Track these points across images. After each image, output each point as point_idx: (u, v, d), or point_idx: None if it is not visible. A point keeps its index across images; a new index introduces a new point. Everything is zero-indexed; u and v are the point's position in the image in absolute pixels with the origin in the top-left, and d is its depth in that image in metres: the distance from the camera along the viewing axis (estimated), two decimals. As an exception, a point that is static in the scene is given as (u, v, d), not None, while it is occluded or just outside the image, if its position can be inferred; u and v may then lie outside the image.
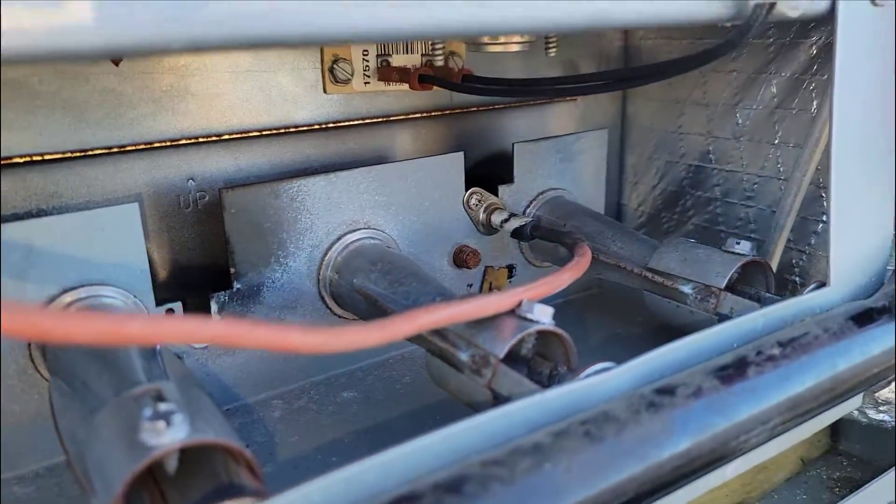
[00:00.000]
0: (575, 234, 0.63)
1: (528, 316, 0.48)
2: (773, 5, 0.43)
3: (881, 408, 0.67)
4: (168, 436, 0.36)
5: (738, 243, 0.59)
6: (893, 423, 0.67)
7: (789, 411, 0.44)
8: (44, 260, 0.52)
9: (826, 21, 0.51)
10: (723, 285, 0.57)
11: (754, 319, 0.49)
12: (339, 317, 0.65)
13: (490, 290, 0.74)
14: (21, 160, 0.56)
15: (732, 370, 0.43)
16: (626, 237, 0.67)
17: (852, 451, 0.76)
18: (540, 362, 0.51)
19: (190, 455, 0.38)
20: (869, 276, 0.56)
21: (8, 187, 0.56)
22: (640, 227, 0.90)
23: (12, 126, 0.55)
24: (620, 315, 0.78)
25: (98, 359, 0.47)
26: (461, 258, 0.70)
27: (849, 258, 0.55)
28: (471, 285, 0.74)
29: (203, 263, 0.65)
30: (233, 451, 0.38)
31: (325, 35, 0.34)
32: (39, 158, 0.57)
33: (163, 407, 0.37)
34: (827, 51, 0.67)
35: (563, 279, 0.53)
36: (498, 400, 0.47)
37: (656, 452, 0.38)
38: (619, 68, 0.81)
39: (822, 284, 0.54)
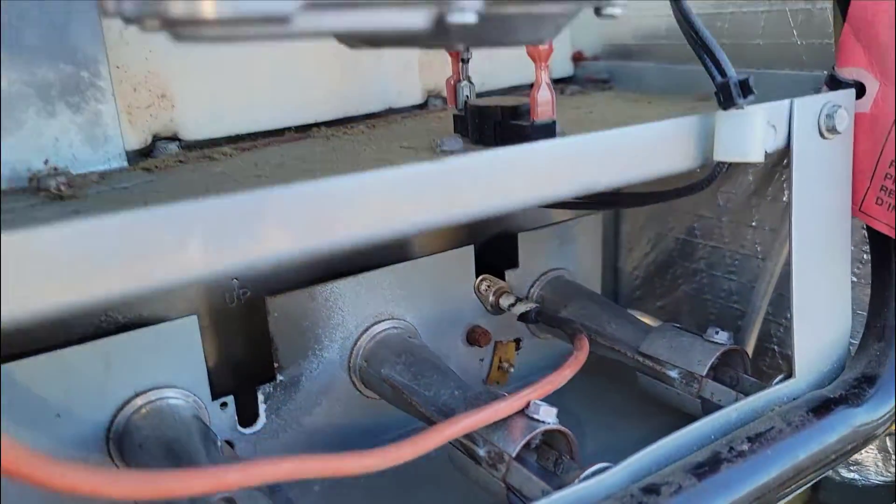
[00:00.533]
0: (574, 323, 0.71)
1: (536, 416, 0.57)
2: (730, 165, 0.52)
3: (852, 468, 0.75)
4: (247, 544, 0.44)
5: (717, 332, 0.68)
6: (862, 482, 0.76)
7: (757, 500, 0.52)
8: (119, 370, 0.60)
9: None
10: (704, 373, 0.66)
11: (728, 414, 0.58)
12: (368, 398, 0.74)
13: (500, 363, 0.83)
14: (93, 278, 0.65)
15: (707, 467, 0.52)
16: (619, 319, 0.76)
17: (830, 502, 0.84)
18: (547, 450, 0.59)
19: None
20: (831, 363, 0.65)
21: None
22: (634, 290, 0.99)
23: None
24: (614, 381, 0.86)
25: (169, 461, 0.56)
26: (474, 337, 0.79)
27: (812, 350, 0.63)
28: (482, 360, 0.82)
29: (249, 354, 0.73)
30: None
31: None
32: (108, 274, 0.65)
33: (240, 517, 0.46)
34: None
35: (564, 376, 0.62)
36: (510, 490, 0.56)
37: (644, 547, 0.47)
38: (607, 193, 0.89)
39: (789, 376, 0.62)
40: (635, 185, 0.90)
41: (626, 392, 0.83)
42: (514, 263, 0.82)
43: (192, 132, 0.66)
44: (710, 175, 0.53)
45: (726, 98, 0.50)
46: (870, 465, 0.74)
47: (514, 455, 0.55)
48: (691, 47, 0.53)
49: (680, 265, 0.92)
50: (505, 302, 0.78)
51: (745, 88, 0.50)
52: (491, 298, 0.79)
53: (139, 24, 0.33)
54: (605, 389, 0.84)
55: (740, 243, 0.84)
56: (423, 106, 0.84)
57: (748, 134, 0.51)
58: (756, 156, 0.51)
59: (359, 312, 0.72)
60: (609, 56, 1.00)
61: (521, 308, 0.76)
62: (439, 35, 0.37)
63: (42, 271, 0.32)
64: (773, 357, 0.81)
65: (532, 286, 0.83)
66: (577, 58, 1.02)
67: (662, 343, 0.70)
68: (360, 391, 0.73)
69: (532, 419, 0.57)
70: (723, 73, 0.51)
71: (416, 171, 0.41)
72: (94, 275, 0.33)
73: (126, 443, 0.60)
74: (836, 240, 0.63)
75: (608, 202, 0.67)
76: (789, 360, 0.63)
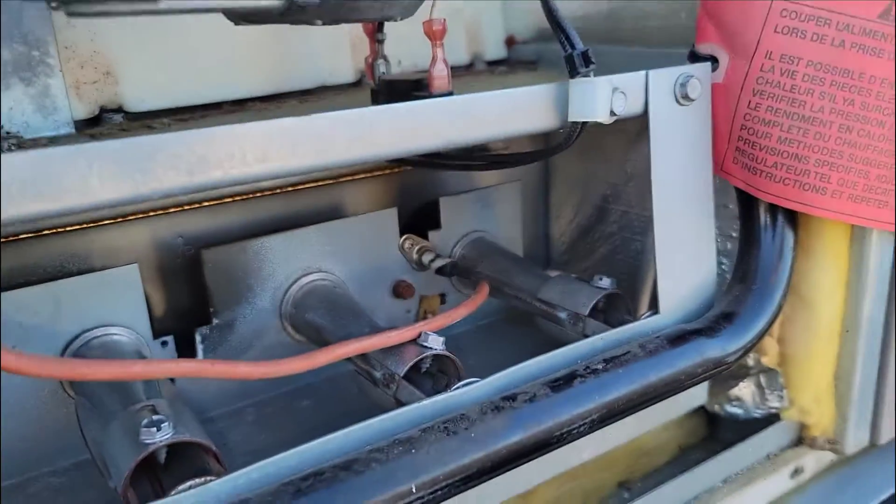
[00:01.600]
0: (481, 274, 0.80)
1: (426, 344, 0.66)
2: (584, 124, 0.61)
3: (734, 403, 0.84)
4: (158, 436, 0.53)
5: (601, 279, 0.77)
6: (744, 416, 0.84)
7: (605, 410, 0.61)
8: (68, 310, 0.70)
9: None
10: (586, 312, 0.75)
11: (594, 342, 0.67)
12: (298, 341, 0.83)
13: (425, 315, 0.91)
14: (49, 232, 0.74)
15: (562, 381, 0.61)
16: (525, 272, 0.85)
17: (726, 439, 0.93)
18: (440, 377, 0.68)
19: (174, 450, 0.55)
20: (696, 304, 0.73)
21: (39, 252, 0.74)
22: (562, 254, 1.07)
23: (42, 206, 0.73)
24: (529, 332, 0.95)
25: (109, 384, 0.65)
26: (399, 291, 0.88)
27: (675, 291, 0.72)
28: (409, 311, 0.91)
29: (191, 302, 0.82)
30: (203, 447, 0.56)
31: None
32: (62, 230, 0.74)
33: (155, 417, 0.55)
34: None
35: (459, 313, 0.71)
36: (399, 405, 0.64)
37: (494, 441, 0.56)
38: (495, 153, 0.96)
39: (656, 312, 0.71)
40: (520, 146, 0.99)
41: (526, 342, 0.93)
42: (437, 225, 0.91)
43: (135, 105, 0.75)
44: (568, 134, 0.62)
45: (572, 67, 0.59)
46: (748, 399, 0.83)
47: (402, 375, 0.64)
48: (549, 24, 0.61)
49: (598, 229, 1.00)
50: (426, 258, 0.87)
51: (586, 59, 0.59)
52: (414, 256, 0.88)
53: (48, 3, 0.42)
54: (516, 337, 0.93)
55: (644, 206, 0.93)
56: (357, 84, 0.93)
57: (595, 98, 0.60)
58: (602, 116, 0.60)
59: (289, 265, 0.81)
60: (538, 39, 1.09)
61: (438, 263, 0.85)
62: (295, 13, 0.46)
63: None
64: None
65: (455, 246, 0.92)
66: (510, 41, 1.10)
67: (556, 289, 0.79)
68: (290, 335, 0.82)
69: (422, 346, 0.66)
70: (572, 45, 0.60)
71: (288, 124, 0.50)
72: (20, 197, 0.42)
73: (74, 371, 0.69)
74: (697, 195, 0.72)
75: (498, 162, 0.76)
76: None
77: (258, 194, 0.85)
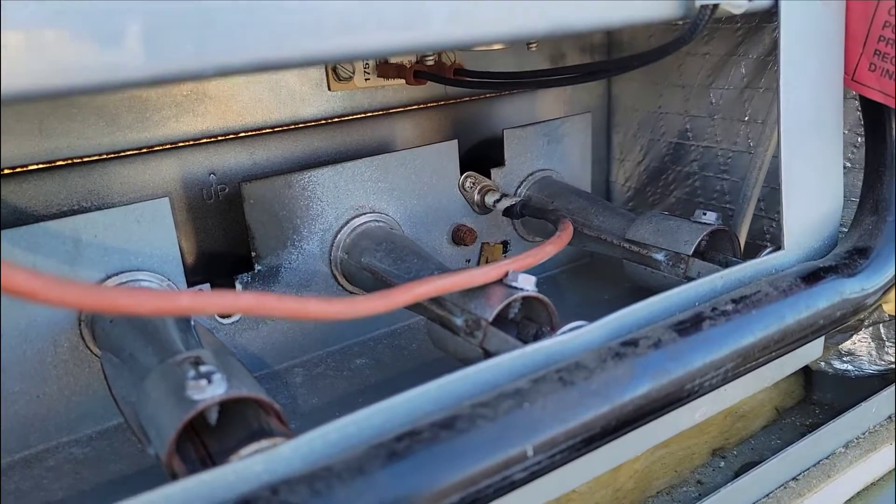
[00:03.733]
0: (559, 211, 0.69)
1: (514, 284, 0.55)
2: (716, 6, 0.50)
3: (844, 358, 0.74)
4: (210, 391, 0.43)
5: (705, 214, 0.66)
6: (856, 373, 0.74)
7: (741, 358, 0.51)
8: (89, 250, 0.59)
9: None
10: (690, 252, 0.64)
11: (713, 281, 0.56)
12: (350, 292, 0.72)
13: (487, 263, 0.81)
14: (63, 163, 0.63)
15: (689, 324, 0.50)
16: (607, 212, 0.74)
17: (824, 400, 0.83)
18: (527, 324, 0.58)
19: (225, 409, 0.45)
20: (821, 239, 0.63)
21: (52, 187, 0.63)
22: (627, 202, 0.97)
23: (54, 132, 0.63)
24: (608, 281, 0.84)
25: (142, 334, 0.55)
26: (459, 236, 0.77)
27: (801, 223, 0.61)
28: (469, 260, 0.81)
29: (227, 249, 0.72)
30: (263, 404, 0.45)
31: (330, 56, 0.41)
32: (79, 161, 0.64)
33: (203, 369, 0.45)
34: (788, 34, 0.73)
35: (546, 251, 0.60)
36: (488, 355, 0.54)
37: (619, 394, 0.45)
38: (590, 62, 0.87)
39: (778, 248, 0.60)
40: (620, 51, 0.88)
41: (613, 288, 0.82)
42: (500, 161, 0.80)
43: None
44: (695, 22, 0.51)
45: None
46: (863, 354, 0.73)
47: (490, 320, 0.53)
48: None
49: (672, 170, 0.90)
50: (490, 199, 0.77)
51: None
52: (476, 196, 0.78)
53: None
54: (592, 288, 0.83)
55: (733, 140, 0.82)
56: None
57: (730, -25, 0.49)
58: (738, -1, 0.49)
59: (339, 204, 0.70)
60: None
61: (505, 203, 0.74)
62: None
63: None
64: (767, 254, 0.79)
65: (519, 186, 0.81)
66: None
67: (648, 228, 0.68)
68: (341, 285, 0.72)
69: (510, 286, 0.55)
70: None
71: None
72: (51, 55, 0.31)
73: (98, 320, 0.59)
74: (827, 110, 0.61)
75: (594, 71, 0.64)
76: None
77: (299, 125, 0.74)
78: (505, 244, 0.83)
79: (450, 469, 0.39)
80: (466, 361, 0.56)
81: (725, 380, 0.50)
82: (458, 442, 0.40)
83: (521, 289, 0.55)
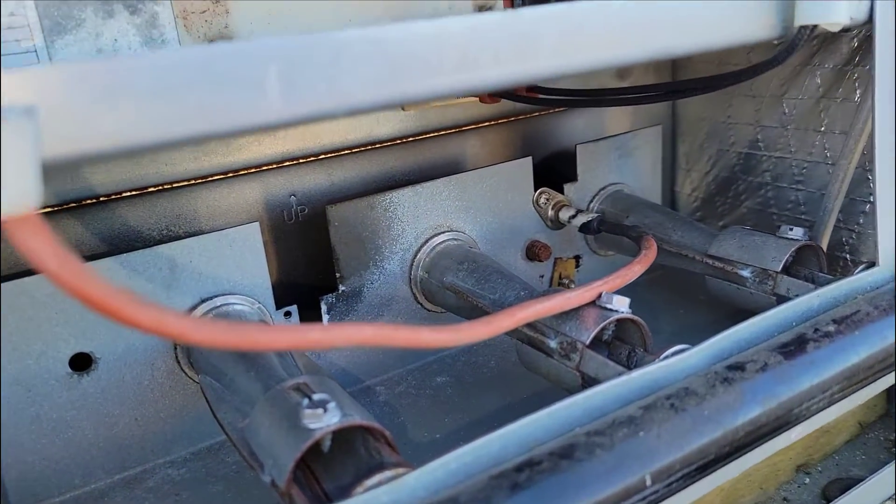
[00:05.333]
0: (639, 227, 0.69)
1: (608, 306, 0.55)
2: (815, 26, 0.49)
3: (932, 373, 0.72)
4: (325, 420, 0.44)
5: (791, 229, 0.65)
6: (944, 387, 0.72)
7: (846, 380, 0.50)
8: (185, 275, 0.60)
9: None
10: (779, 268, 0.63)
11: (810, 300, 0.56)
12: (429, 310, 0.73)
13: (560, 279, 0.81)
14: (154, 189, 0.65)
15: (793, 346, 0.50)
16: (685, 226, 0.73)
17: (907, 414, 0.81)
18: (619, 345, 0.58)
19: (338, 437, 0.46)
20: (916, 254, 0.62)
21: (142, 213, 0.65)
22: (693, 212, 0.96)
23: (144, 159, 0.64)
24: (681, 295, 0.84)
25: (242, 358, 0.56)
26: (534, 252, 0.77)
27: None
28: (542, 276, 0.81)
29: (308, 269, 0.73)
30: (374, 432, 0.46)
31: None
32: (168, 186, 0.65)
33: (316, 397, 0.45)
34: (867, 43, 0.72)
35: (634, 271, 0.60)
36: (585, 380, 0.54)
37: (731, 419, 0.45)
38: (674, 81, 0.86)
39: (872, 264, 0.60)
40: (706, 69, 0.87)
41: (693, 302, 0.81)
42: (571, 175, 0.80)
43: (245, 37, 0.65)
44: (792, 42, 0.50)
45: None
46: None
47: (587, 342, 0.53)
48: None
49: (743, 180, 0.89)
50: (565, 215, 0.77)
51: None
52: (550, 212, 0.78)
53: None
54: (670, 302, 0.82)
55: (808, 151, 0.81)
56: None
57: (832, -6, 0.48)
58: (841, 18, 0.48)
59: (418, 223, 0.71)
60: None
61: (582, 219, 0.74)
62: None
63: (125, 100, 0.31)
64: (846, 266, 0.78)
65: (591, 200, 0.81)
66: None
67: (732, 244, 0.68)
68: (420, 303, 0.72)
69: (604, 308, 0.55)
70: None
71: (489, 20, 0.39)
72: (175, 107, 0.32)
73: (195, 351, 0.60)
74: (921, 122, 0.60)
75: (680, 90, 0.64)
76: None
77: (375, 145, 0.75)
78: (577, 259, 0.82)
79: (572, 500, 0.39)
80: (560, 384, 0.56)
81: (831, 402, 0.50)
82: (578, 472, 0.40)
83: (616, 310, 0.55)
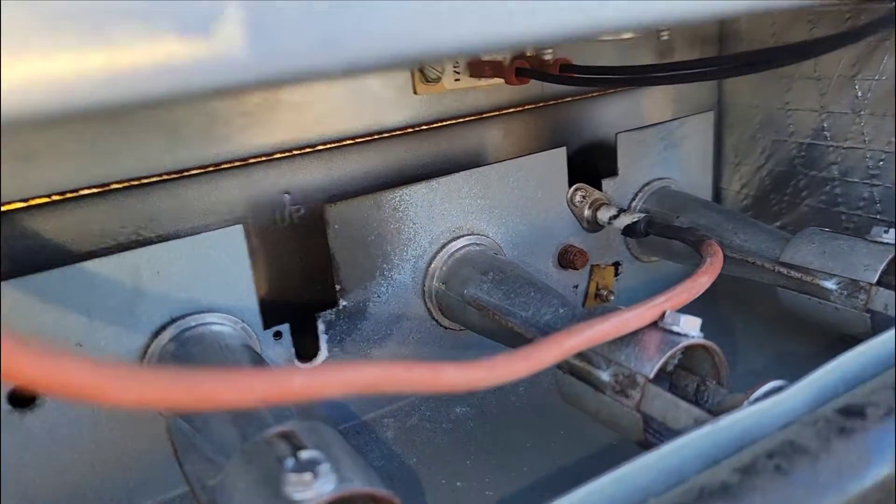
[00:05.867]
0: (697, 230, 0.58)
1: (675, 328, 0.44)
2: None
3: None
4: (316, 488, 0.33)
5: (887, 231, 0.54)
6: None
7: None
8: (151, 290, 0.50)
9: None
10: (874, 279, 0.52)
11: (928, 321, 0.44)
12: (446, 328, 0.62)
13: (597, 290, 0.70)
14: (119, 185, 0.54)
15: (922, 384, 0.39)
16: (750, 228, 0.62)
17: None
18: (684, 376, 0.47)
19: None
20: None
21: (106, 215, 0.54)
22: (743, 211, 0.84)
23: (108, 151, 0.53)
24: (731, 302, 0.72)
25: (218, 394, 0.45)
26: (567, 259, 0.66)
27: None
28: (576, 286, 0.70)
29: (304, 281, 0.62)
30: (381, 501, 0.35)
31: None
32: (137, 183, 0.55)
33: (304, 455, 0.35)
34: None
35: (700, 283, 0.49)
36: (648, 423, 0.43)
37: (855, 484, 0.34)
38: (742, 52, 0.75)
39: None
40: (735, 43, 0.76)
41: (760, 317, 0.70)
42: (606, 170, 0.69)
43: None
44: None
45: None
46: None
47: (650, 376, 0.42)
48: None
49: (804, 175, 0.77)
50: (604, 215, 0.65)
51: None
52: (587, 212, 0.67)
53: None
54: (732, 317, 0.71)
55: (885, 140, 0.69)
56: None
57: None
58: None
59: (433, 226, 0.60)
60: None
61: (625, 220, 0.63)
62: None
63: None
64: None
65: (634, 198, 0.70)
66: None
67: (811, 249, 0.57)
68: (436, 320, 0.61)
69: (670, 332, 0.44)
70: None
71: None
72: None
73: (163, 376, 0.49)
74: None
75: (758, 62, 0.52)
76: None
77: (382, 135, 0.64)
78: (616, 265, 0.71)
79: None
80: (614, 426, 0.45)
81: (972, 455, 0.38)
82: (662, 569, 0.29)
83: (685, 335, 0.43)
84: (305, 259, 0.62)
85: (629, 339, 0.44)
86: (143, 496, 0.52)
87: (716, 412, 0.39)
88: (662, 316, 0.45)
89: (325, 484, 0.33)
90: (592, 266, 0.70)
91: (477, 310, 0.56)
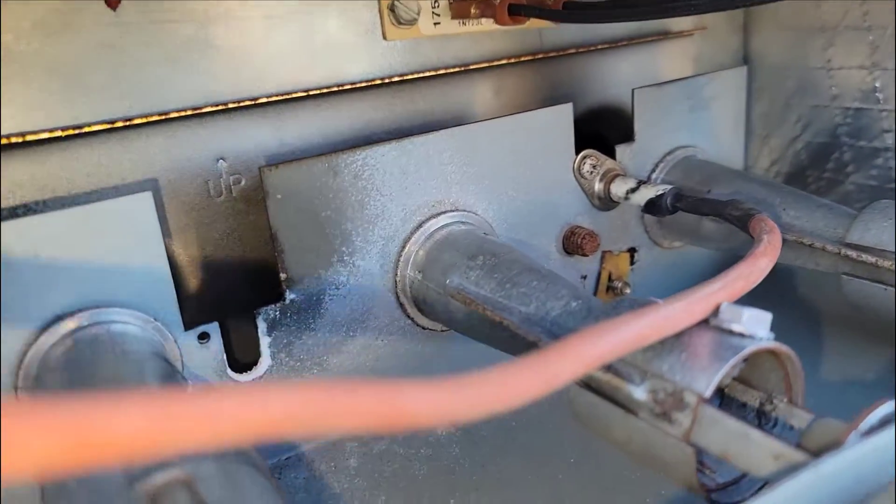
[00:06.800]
0: (742, 202, 0.46)
1: (735, 328, 0.32)
2: None
3: None
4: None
5: None
6: None
7: None
8: (37, 275, 0.37)
9: None
10: (977, 262, 0.40)
11: None
12: (424, 328, 0.50)
13: (609, 281, 0.58)
14: (4, 142, 0.41)
15: None
16: (803, 203, 0.50)
17: None
18: (741, 391, 0.35)
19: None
20: None
21: (-18, 180, 0.41)
22: (771, 192, 0.73)
23: (-21, 97, 0.41)
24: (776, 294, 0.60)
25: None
26: (574, 243, 0.54)
27: None
28: (585, 277, 0.57)
29: (243, 269, 0.49)
30: None
31: None
32: (20, 140, 0.42)
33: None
34: None
35: (760, 267, 0.36)
36: (702, 461, 0.31)
37: None
38: None
39: None
40: None
41: (794, 307, 0.58)
42: (617, 137, 0.57)
43: None
44: None
45: None
46: None
47: (706, 394, 0.30)
48: None
49: (850, 147, 0.65)
50: (620, 188, 0.53)
51: None
52: (598, 185, 0.54)
53: None
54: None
55: (957, 100, 0.58)
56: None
57: None
58: None
59: (407, 199, 0.47)
60: None
61: (647, 193, 0.51)
62: None
63: None
64: None
65: (654, 170, 0.58)
66: None
67: (885, 227, 0.45)
68: (412, 319, 0.49)
69: (728, 331, 0.32)
70: None
71: None
72: None
73: (40, 395, 0.37)
74: None
75: None
76: None
77: (343, 87, 0.52)
78: (632, 252, 0.59)
79: None
80: (649, 462, 0.33)
81: None
82: None
83: (751, 336, 0.31)
84: (245, 241, 0.49)
85: (673, 344, 0.32)
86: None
87: (808, 448, 0.27)
88: (716, 311, 0.32)
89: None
90: (604, 252, 0.57)
91: (463, 304, 0.43)
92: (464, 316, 0.44)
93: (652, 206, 0.51)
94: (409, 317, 0.49)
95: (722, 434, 0.30)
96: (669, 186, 0.50)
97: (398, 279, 0.48)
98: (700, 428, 0.30)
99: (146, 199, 0.39)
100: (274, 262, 0.45)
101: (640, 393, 0.32)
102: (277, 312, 0.44)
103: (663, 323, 0.31)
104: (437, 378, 0.22)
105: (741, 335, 0.32)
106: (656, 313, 0.31)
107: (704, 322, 0.33)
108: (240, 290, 0.49)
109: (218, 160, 0.48)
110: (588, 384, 0.35)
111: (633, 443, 0.33)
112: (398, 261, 0.47)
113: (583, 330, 0.29)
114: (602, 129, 0.60)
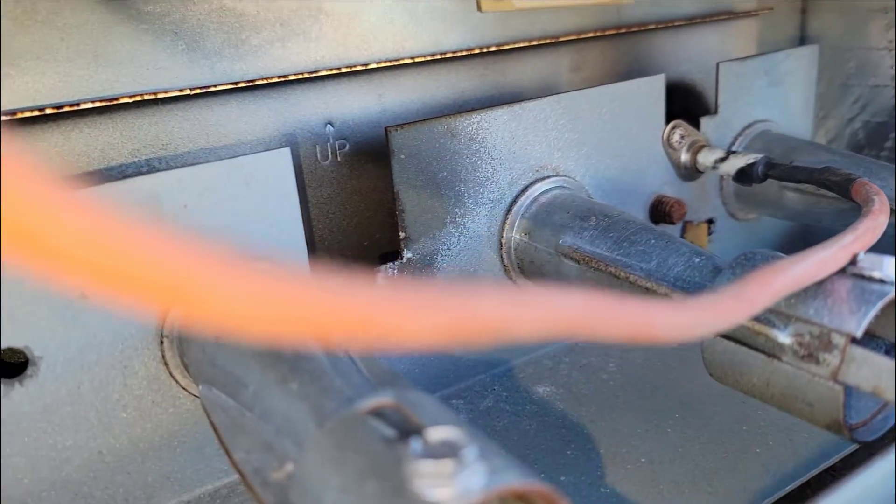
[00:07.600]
0: (838, 168, 0.47)
1: (875, 274, 0.34)
2: None
3: None
4: (460, 484, 0.22)
5: None
6: None
7: None
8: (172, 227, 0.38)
9: None
10: None
11: None
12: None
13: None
14: (128, 100, 0.42)
15: None
16: (887, 173, 0.52)
17: None
18: (865, 340, 0.37)
19: None
20: None
21: (112, 136, 0.43)
22: (826, 171, 0.75)
23: (115, 58, 0.42)
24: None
25: (271, 359, 0.34)
26: (662, 211, 0.56)
27: None
28: (665, 245, 0.59)
29: (348, 229, 0.51)
30: (548, 499, 0.24)
31: None
32: (150, 98, 0.43)
33: (434, 436, 0.24)
34: None
35: (881, 222, 0.38)
36: (850, 399, 0.33)
37: None
38: None
39: None
40: None
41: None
42: (689, 110, 0.59)
43: None
44: None
45: None
46: None
47: (858, 335, 0.32)
48: None
49: (913, 125, 0.68)
50: (707, 158, 0.55)
51: None
52: (684, 156, 0.56)
53: None
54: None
55: None
56: None
57: None
58: None
59: (514, 164, 0.49)
60: None
61: (738, 162, 0.53)
62: None
63: None
64: None
65: (734, 142, 0.60)
66: None
67: (978, 193, 0.47)
68: (512, 280, 0.50)
69: (868, 278, 0.34)
70: None
71: None
72: None
73: (191, 337, 0.38)
74: None
75: None
76: None
77: (442, 56, 0.53)
78: (709, 223, 0.61)
79: None
80: (790, 405, 0.35)
81: None
82: None
83: (892, 283, 0.33)
84: (349, 204, 0.51)
85: (815, 290, 0.34)
86: (165, 493, 0.41)
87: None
88: (854, 259, 0.34)
89: (473, 477, 0.22)
90: (685, 222, 0.59)
91: (576, 263, 0.45)
92: (576, 274, 0.46)
93: (742, 175, 0.52)
94: (510, 278, 0.50)
95: (873, 371, 0.32)
96: (760, 155, 0.52)
97: (503, 241, 0.49)
98: (849, 367, 0.32)
99: (285, 154, 0.41)
100: (379, 225, 0.46)
101: (784, 337, 0.34)
102: (395, 269, 0.46)
103: (817, 268, 0.33)
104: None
105: (881, 281, 0.34)
106: (815, 257, 0.33)
107: (843, 270, 0.35)
108: (348, 251, 0.50)
109: (326, 125, 0.50)
110: (725, 333, 0.37)
111: (773, 386, 0.35)
112: (504, 223, 0.49)
113: (765, 268, 0.30)
114: (672, 105, 0.62)
